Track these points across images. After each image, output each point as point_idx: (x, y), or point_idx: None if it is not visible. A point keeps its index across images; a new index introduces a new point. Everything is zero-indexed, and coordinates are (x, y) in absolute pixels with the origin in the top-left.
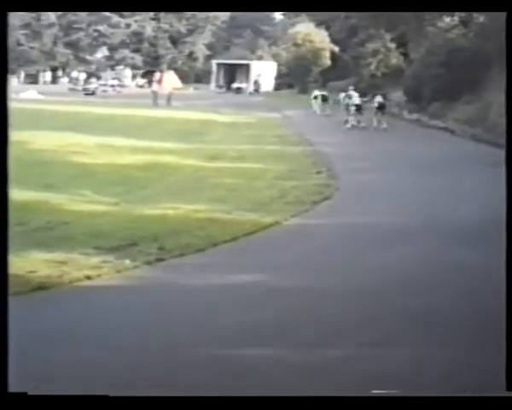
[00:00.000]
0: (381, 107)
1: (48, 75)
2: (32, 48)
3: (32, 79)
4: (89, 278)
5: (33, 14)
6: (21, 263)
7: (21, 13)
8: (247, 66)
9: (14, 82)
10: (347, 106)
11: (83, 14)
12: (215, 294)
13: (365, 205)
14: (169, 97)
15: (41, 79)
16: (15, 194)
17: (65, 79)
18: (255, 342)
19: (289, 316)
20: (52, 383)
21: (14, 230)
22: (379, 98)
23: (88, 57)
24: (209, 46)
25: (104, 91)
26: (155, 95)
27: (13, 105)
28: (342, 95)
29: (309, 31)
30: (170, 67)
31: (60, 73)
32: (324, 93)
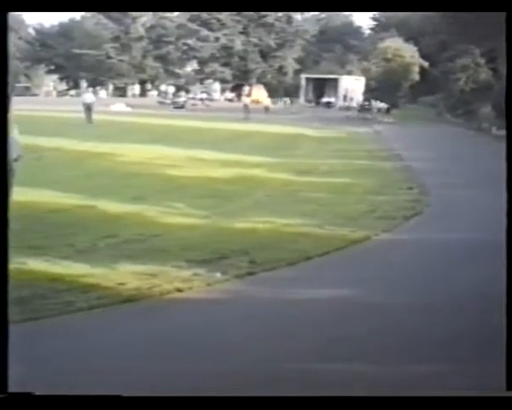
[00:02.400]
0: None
1: (136, 88)
2: (121, 61)
3: (121, 92)
4: (179, 290)
5: (122, 27)
6: (112, 275)
7: (111, 26)
8: (336, 80)
9: (102, 94)
10: None
11: (172, 28)
12: (305, 308)
13: (455, 221)
14: (266, 110)
15: (129, 92)
16: (106, 206)
17: (154, 93)
18: (343, 357)
19: (378, 331)
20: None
21: (104, 241)
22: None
23: (177, 71)
24: (298, 60)
25: (193, 105)
26: (247, 108)
27: (102, 117)
28: None
29: (398, 45)
30: (259, 81)
31: (149, 86)
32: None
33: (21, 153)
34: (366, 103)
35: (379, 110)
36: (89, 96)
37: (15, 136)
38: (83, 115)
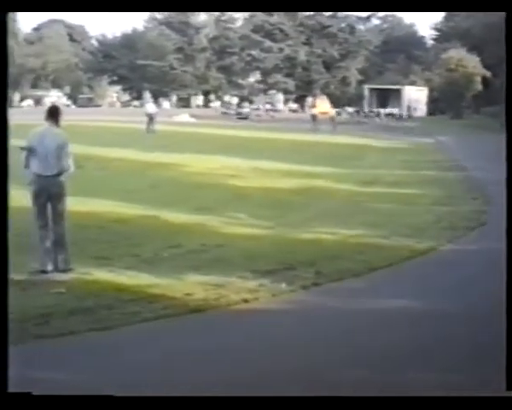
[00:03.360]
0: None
1: (200, 99)
2: (184, 72)
3: (184, 103)
4: (246, 301)
5: (185, 38)
6: (177, 285)
7: (174, 36)
8: (400, 91)
9: (166, 105)
10: None
11: (236, 39)
12: (371, 318)
13: None
14: (333, 122)
15: (193, 103)
16: (170, 216)
17: (217, 103)
18: (411, 365)
19: (445, 340)
20: None
21: (169, 252)
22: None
23: (240, 81)
24: (361, 71)
25: (257, 116)
26: (314, 119)
27: (166, 128)
28: None
29: (461, 56)
30: (322, 92)
31: (212, 96)
32: None
33: (73, 164)
34: (374, 110)
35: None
36: (151, 107)
37: (68, 148)
38: (152, 126)
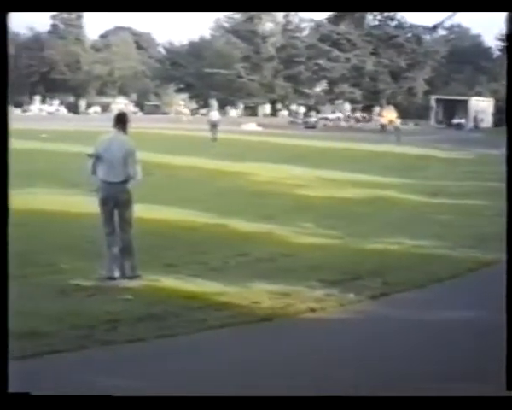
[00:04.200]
0: None
1: (267, 108)
2: (251, 80)
3: (251, 112)
4: (313, 310)
5: (252, 47)
6: (244, 294)
7: (241, 45)
8: (466, 101)
9: (233, 114)
10: None
11: (303, 48)
12: (437, 329)
13: None
14: (397, 132)
15: (260, 112)
16: (237, 224)
17: (284, 112)
18: (476, 378)
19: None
20: None
21: (236, 260)
22: None
23: (307, 91)
24: (428, 81)
25: (324, 125)
26: (383, 128)
27: (233, 136)
28: None
29: None
30: (388, 102)
31: (279, 105)
32: None
33: (140, 171)
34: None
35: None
36: (214, 115)
37: (136, 155)
38: (215, 134)
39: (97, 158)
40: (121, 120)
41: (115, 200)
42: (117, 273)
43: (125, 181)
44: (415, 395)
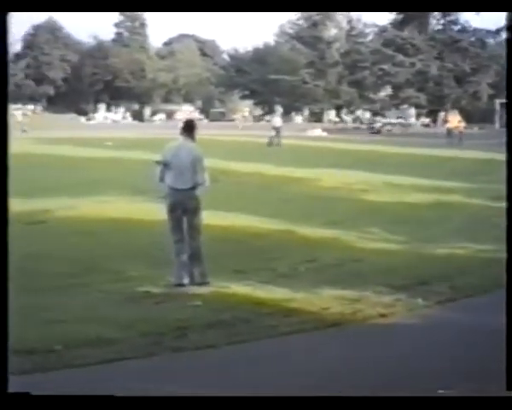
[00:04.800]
0: None
1: (332, 113)
2: (316, 86)
3: (317, 117)
4: (382, 315)
5: (316, 53)
6: (314, 300)
7: (305, 51)
8: None
9: (298, 119)
10: None
11: (367, 53)
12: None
13: None
14: (460, 137)
15: (325, 117)
16: (305, 230)
17: (349, 118)
18: None
19: None
20: None
21: (304, 266)
22: None
23: (372, 96)
24: (492, 85)
25: (389, 130)
26: (449, 133)
27: (298, 142)
28: None
29: None
30: (453, 107)
31: (344, 111)
32: None
33: (208, 179)
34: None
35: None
36: (277, 120)
37: (203, 162)
38: (278, 139)
39: (165, 165)
40: (189, 127)
41: (184, 207)
42: (186, 280)
43: (194, 188)
44: (414, 395)
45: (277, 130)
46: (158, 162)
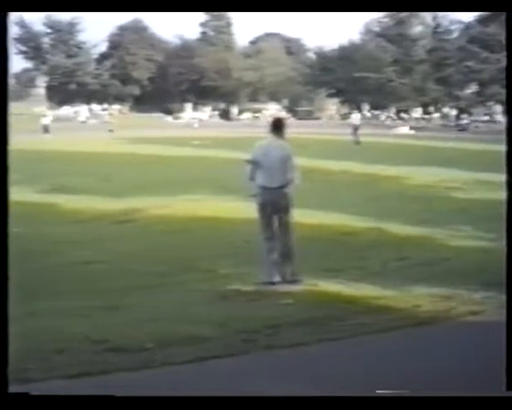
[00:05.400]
0: None
1: (418, 111)
2: (402, 84)
3: (403, 115)
4: (474, 313)
5: (402, 50)
6: (406, 298)
7: (391, 48)
8: None
9: (385, 117)
10: None
11: (452, 50)
12: None
13: None
14: None
15: (412, 115)
16: (395, 228)
17: (436, 115)
18: None
19: None
20: None
21: (395, 264)
22: None
23: (458, 93)
24: None
25: (476, 127)
26: None
27: (385, 140)
28: None
29: None
30: None
31: (430, 108)
32: None
33: (299, 176)
34: None
35: None
36: (356, 118)
37: (293, 160)
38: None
39: (255, 164)
40: (278, 126)
41: (274, 205)
42: (277, 278)
43: (284, 186)
44: (414, 395)
45: (356, 128)
46: (248, 161)
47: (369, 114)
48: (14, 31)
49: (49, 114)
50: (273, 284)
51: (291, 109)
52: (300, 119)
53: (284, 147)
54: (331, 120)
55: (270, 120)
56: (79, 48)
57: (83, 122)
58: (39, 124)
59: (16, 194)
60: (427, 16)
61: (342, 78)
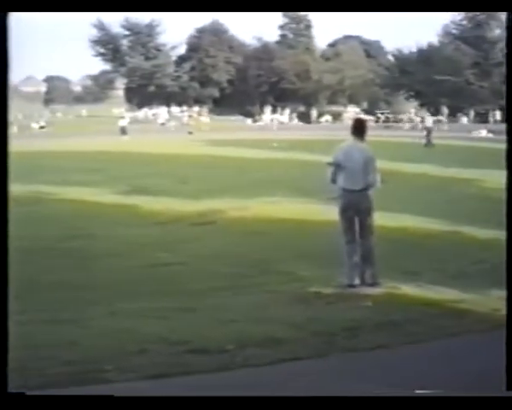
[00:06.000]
0: None
1: (497, 114)
2: (481, 87)
3: (482, 119)
4: None
5: (481, 53)
6: (484, 301)
7: (469, 51)
8: None
9: (464, 121)
10: None
11: None
12: None
13: None
14: None
15: (491, 118)
16: (473, 231)
17: None
18: None
19: None
20: None
21: (474, 267)
22: None
23: None
24: None
25: None
26: None
27: (462, 143)
28: None
29: None
30: None
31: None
32: None
33: (379, 179)
34: None
35: None
36: (429, 120)
37: (375, 163)
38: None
39: (337, 166)
40: (360, 128)
41: (356, 208)
42: (357, 281)
43: (366, 189)
44: (414, 395)
45: (429, 130)
46: (330, 164)
47: (446, 118)
48: (92, 33)
49: (126, 116)
50: (354, 286)
51: (370, 112)
52: (378, 122)
53: (366, 149)
54: (409, 122)
55: (352, 121)
56: (158, 50)
57: (162, 124)
58: (118, 126)
59: (96, 195)
60: (505, 18)
61: (421, 80)
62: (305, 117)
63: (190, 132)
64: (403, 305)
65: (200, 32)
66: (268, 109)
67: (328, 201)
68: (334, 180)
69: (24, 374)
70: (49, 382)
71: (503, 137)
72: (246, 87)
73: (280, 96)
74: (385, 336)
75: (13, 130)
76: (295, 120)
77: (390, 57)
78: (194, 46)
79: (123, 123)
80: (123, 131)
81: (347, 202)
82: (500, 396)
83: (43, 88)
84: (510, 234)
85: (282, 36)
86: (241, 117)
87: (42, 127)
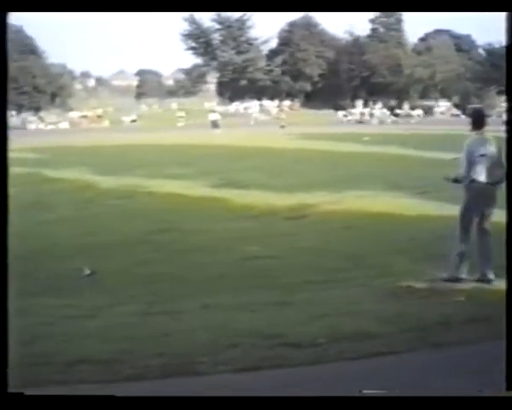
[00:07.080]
0: None
1: None
2: None
3: None
4: None
5: None
6: None
7: None
8: None
9: None
10: None
11: None
12: None
13: None
14: None
15: None
16: None
17: None
18: None
19: None
20: None
21: None
22: None
23: None
24: None
25: None
26: None
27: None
28: None
29: None
30: None
31: None
32: None
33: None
34: None
35: None
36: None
37: (502, 157)
38: None
39: (468, 160)
40: (479, 120)
41: (485, 201)
42: (464, 275)
43: (498, 182)
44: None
45: None
46: (455, 159)
47: None
48: (183, 27)
49: (217, 110)
50: (459, 280)
51: (461, 106)
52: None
53: (495, 142)
54: (499, 117)
55: (471, 113)
56: (249, 44)
57: (254, 118)
58: (209, 119)
59: (189, 189)
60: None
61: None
62: (396, 111)
63: (283, 126)
64: (495, 300)
65: (291, 26)
66: (359, 103)
67: (419, 195)
68: (467, 172)
69: (125, 362)
70: (140, 374)
71: None
72: (337, 81)
73: (371, 90)
74: (476, 331)
75: (104, 123)
76: (387, 114)
77: (481, 51)
78: (286, 40)
79: (214, 117)
80: (214, 124)
81: (477, 195)
82: (500, 396)
83: (134, 82)
84: (510, 234)
85: (373, 30)
86: (332, 111)
87: (133, 121)
